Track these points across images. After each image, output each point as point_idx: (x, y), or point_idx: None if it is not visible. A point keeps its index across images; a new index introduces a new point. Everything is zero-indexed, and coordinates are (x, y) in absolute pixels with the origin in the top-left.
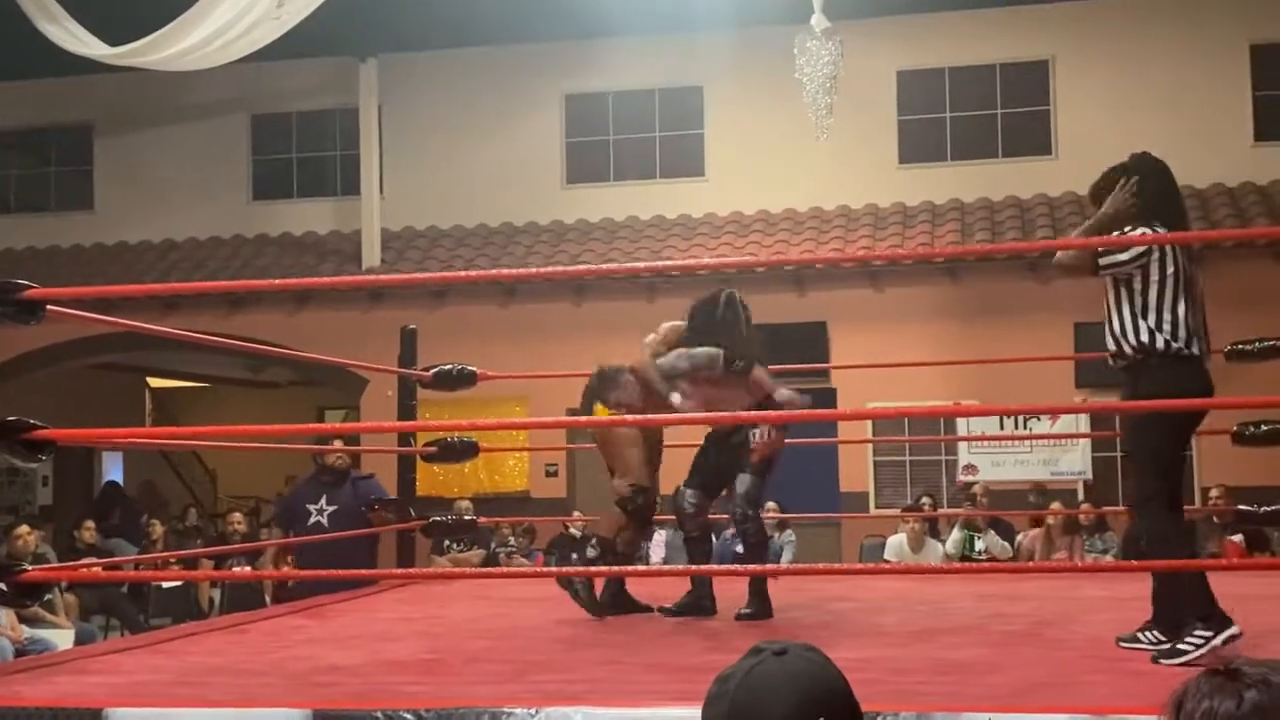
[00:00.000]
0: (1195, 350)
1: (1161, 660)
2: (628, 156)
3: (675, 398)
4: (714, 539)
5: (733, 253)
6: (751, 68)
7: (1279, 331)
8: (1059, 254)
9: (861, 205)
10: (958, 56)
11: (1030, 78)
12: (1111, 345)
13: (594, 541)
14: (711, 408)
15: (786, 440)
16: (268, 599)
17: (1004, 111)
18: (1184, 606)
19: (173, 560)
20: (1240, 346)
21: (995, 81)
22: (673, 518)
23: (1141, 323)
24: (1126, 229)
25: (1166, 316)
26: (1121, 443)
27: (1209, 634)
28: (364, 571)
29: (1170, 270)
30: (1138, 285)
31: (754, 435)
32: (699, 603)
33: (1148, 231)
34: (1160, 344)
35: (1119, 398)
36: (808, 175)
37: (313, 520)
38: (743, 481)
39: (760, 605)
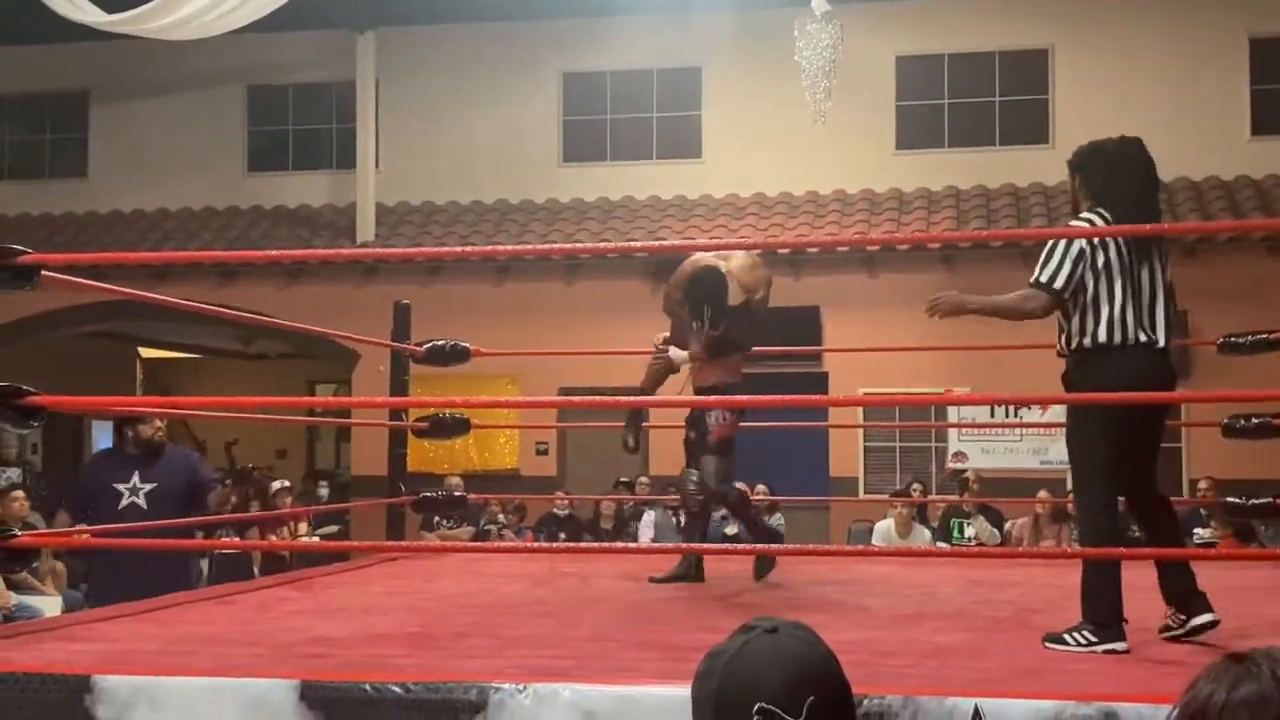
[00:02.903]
0: (1134, 341)
1: (1046, 642)
2: (625, 136)
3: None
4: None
5: (728, 235)
6: (750, 50)
7: (1272, 324)
8: (1013, 303)
9: (857, 190)
10: (957, 43)
11: (1029, 66)
12: (1057, 344)
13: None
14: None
15: (778, 423)
16: (255, 570)
17: (1002, 99)
18: (1087, 607)
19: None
20: (1232, 339)
21: (994, 69)
22: (664, 498)
23: (1074, 320)
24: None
25: (1104, 311)
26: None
27: (1094, 640)
28: (347, 544)
29: (1102, 261)
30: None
31: (710, 419)
32: (688, 572)
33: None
34: (1088, 341)
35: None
36: (804, 159)
37: (125, 502)
38: (706, 462)
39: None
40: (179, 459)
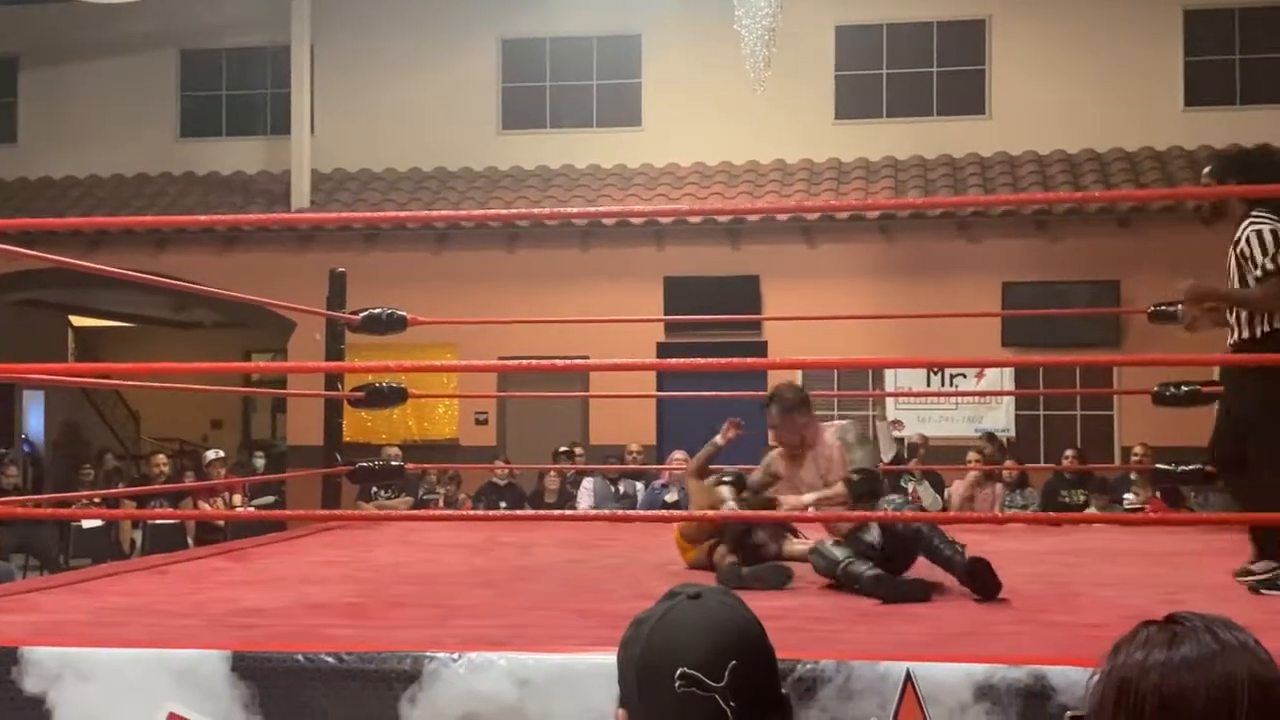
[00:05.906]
0: None
1: (1262, 590)
2: (564, 104)
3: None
4: (643, 490)
5: (668, 204)
6: (691, 17)
7: None
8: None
9: (797, 160)
10: (896, 13)
11: (967, 37)
12: (1234, 329)
13: None
14: None
15: (716, 393)
16: (189, 541)
17: (940, 70)
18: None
19: (95, 500)
20: (1163, 308)
21: (932, 39)
22: (604, 467)
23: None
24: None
25: None
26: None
27: None
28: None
29: None
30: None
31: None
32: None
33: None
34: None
35: (1232, 375)
36: (744, 128)
37: None
38: None
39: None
40: None
